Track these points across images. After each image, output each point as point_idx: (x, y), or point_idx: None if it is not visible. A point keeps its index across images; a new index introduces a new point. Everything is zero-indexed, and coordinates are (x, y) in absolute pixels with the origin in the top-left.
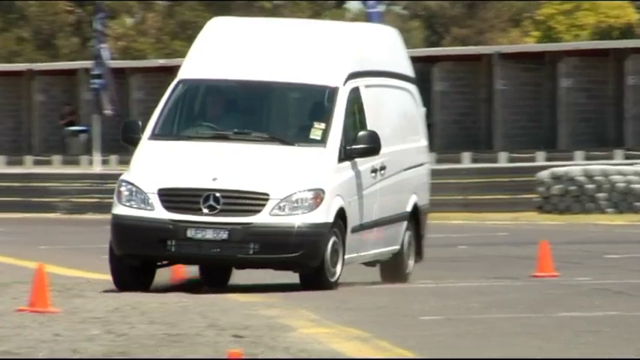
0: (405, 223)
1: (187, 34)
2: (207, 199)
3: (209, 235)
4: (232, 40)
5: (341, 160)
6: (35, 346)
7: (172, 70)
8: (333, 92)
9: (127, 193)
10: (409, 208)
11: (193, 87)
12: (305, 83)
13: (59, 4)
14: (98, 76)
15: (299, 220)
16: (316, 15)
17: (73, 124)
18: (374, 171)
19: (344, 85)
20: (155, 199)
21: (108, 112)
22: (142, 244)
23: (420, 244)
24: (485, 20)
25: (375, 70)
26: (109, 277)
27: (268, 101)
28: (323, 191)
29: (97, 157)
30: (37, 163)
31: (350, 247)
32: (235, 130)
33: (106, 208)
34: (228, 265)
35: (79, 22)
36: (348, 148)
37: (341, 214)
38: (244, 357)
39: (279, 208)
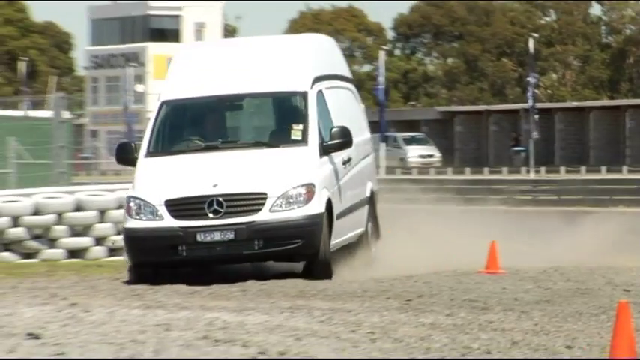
0: (367, 207)
1: (594, 84)
2: (211, 204)
3: (217, 236)
4: (203, 62)
5: (321, 155)
6: (489, 296)
7: (583, 109)
8: (303, 96)
9: (135, 207)
10: (368, 194)
11: (176, 106)
12: (277, 91)
13: (507, 65)
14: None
15: (296, 213)
16: None
17: (516, 146)
18: (344, 163)
19: (311, 88)
20: (163, 210)
21: (535, 136)
22: (155, 251)
23: (377, 225)
24: None
25: (330, 74)
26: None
27: (245, 111)
28: (313, 185)
29: (531, 168)
30: (491, 172)
31: (335, 233)
32: (221, 140)
33: (540, 202)
34: (236, 262)
35: (520, 77)
36: (325, 144)
37: (328, 205)
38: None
39: (277, 204)
